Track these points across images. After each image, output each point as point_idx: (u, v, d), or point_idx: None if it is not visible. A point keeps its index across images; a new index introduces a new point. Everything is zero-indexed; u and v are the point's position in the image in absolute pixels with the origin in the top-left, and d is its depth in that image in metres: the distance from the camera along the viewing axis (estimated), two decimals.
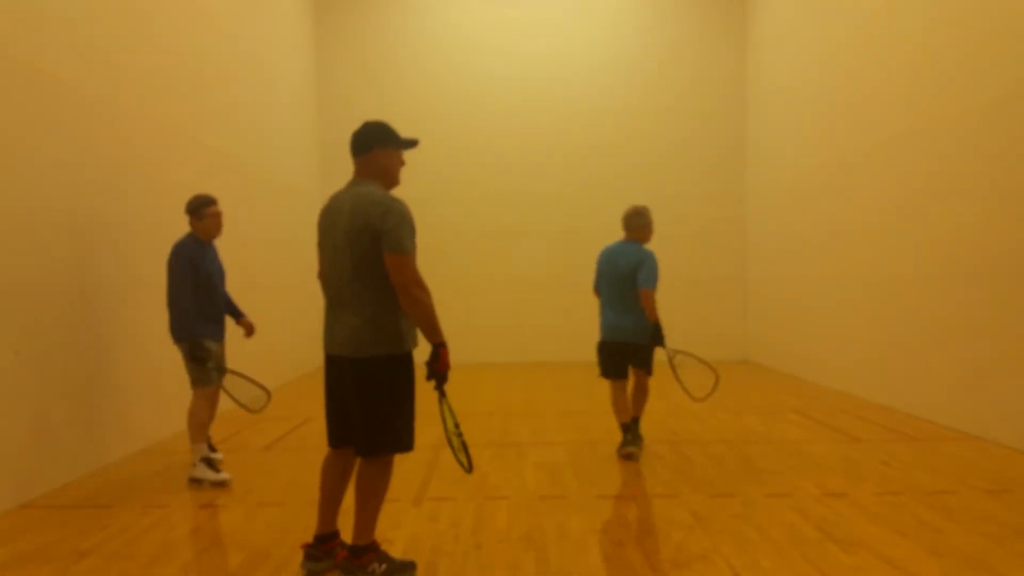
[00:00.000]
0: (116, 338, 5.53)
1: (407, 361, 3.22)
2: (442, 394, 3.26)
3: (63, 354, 4.87)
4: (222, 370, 4.88)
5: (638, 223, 5.52)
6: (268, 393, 4.98)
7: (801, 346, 9.83)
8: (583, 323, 11.95)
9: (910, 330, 7.02)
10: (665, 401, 7.93)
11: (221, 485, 4.72)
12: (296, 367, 10.32)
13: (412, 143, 3.41)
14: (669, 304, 12.19)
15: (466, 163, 11.82)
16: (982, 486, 4.61)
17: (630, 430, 5.40)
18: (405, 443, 3.23)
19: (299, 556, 3.48)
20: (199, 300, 4.82)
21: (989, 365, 5.90)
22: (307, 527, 3.97)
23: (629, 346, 5.38)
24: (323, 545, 3.32)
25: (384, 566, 3.17)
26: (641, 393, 5.54)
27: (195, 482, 4.75)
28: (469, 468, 3.26)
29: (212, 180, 7.42)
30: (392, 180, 3.35)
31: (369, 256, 3.08)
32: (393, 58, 11.85)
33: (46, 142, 4.80)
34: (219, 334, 5.00)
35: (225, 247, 7.75)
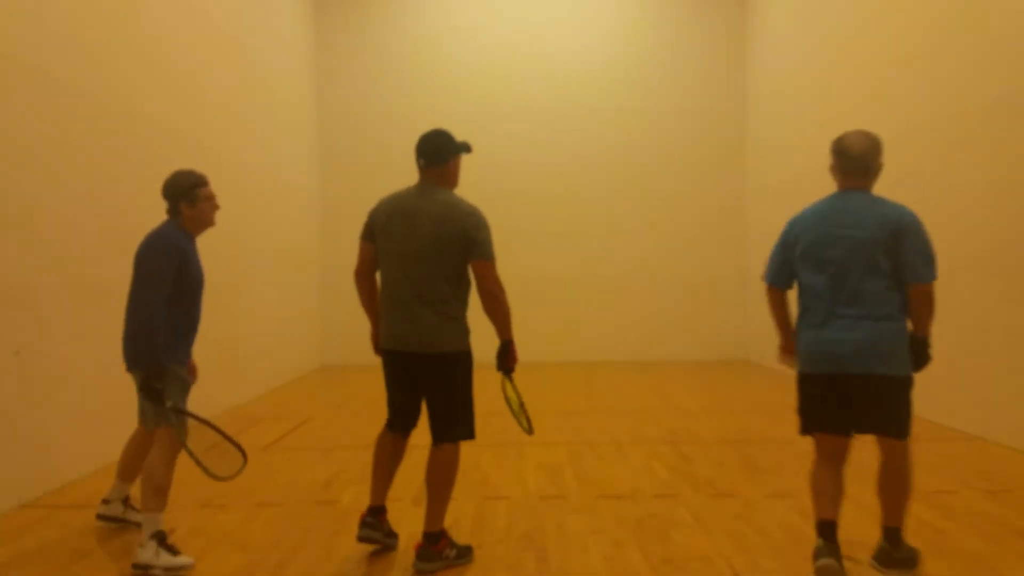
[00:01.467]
0: (116, 338, 5.52)
1: (471, 356, 3.58)
2: (510, 379, 3.67)
3: (63, 354, 4.87)
4: (181, 413, 3.51)
5: (872, 161, 3.31)
6: (244, 456, 3.46)
7: None
8: (583, 323, 11.98)
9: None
10: (665, 401, 7.94)
11: (183, 570, 3.38)
12: (296, 367, 10.33)
13: (469, 148, 3.67)
14: (669, 304, 12.29)
15: (466, 163, 11.80)
16: (982, 486, 4.61)
17: (831, 537, 3.13)
18: (473, 430, 3.57)
19: (299, 556, 3.49)
20: (176, 314, 3.62)
21: (989, 365, 5.90)
22: (307, 527, 3.97)
23: (868, 380, 3.15)
24: (379, 516, 3.57)
25: (455, 551, 3.45)
26: (895, 477, 3.24)
27: (140, 569, 3.34)
28: (530, 430, 3.66)
29: (212, 180, 7.42)
30: (456, 185, 3.71)
31: (457, 261, 3.44)
32: (393, 58, 11.85)
33: (46, 142, 4.80)
34: (187, 357, 3.82)
35: (225, 247, 7.77)
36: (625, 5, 12.01)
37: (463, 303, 3.54)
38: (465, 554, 3.49)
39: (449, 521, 4.03)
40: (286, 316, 9.87)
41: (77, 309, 5.04)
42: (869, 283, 3.16)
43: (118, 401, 5.54)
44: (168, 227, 3.71)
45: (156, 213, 5.68)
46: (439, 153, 3.56)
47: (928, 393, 6.67)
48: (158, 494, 3.48)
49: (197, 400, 7.15)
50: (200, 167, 7.09)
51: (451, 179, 3.64)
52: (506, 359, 3.57)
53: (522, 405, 3.70)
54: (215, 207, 3.85)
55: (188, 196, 3.72)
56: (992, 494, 4.44)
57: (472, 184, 11.94)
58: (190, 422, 3.49)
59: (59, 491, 4.67)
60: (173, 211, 3.73)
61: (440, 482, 3.45)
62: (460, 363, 3.51)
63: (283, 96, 10.13)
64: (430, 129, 3.65)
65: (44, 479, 4.64)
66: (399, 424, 3.67)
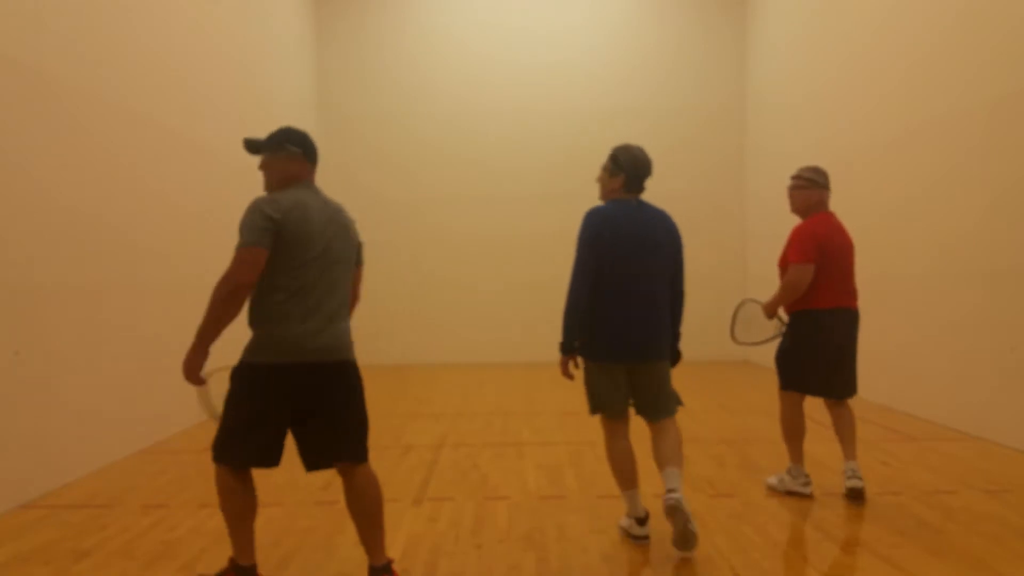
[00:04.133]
0: (116, 338, 5.53)
1: None
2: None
3: (63, 354, 4.87)
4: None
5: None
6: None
7: None
8: None
9: (910, 330, 7.02)
10: None
11: None
12: None
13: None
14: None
15: (466, 164, 11.81)
16: (982, 486, 4.61)
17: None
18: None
19: (299, 556, 3.48)
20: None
21: (989, 365, 5.90)
22: (306, 527, 3.97)
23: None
24: None
25: None
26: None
27: None
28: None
29: (212, 180, 7.42)
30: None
31: (354, 265, 3.22)
32: (393, 59, 11.85)
33: (46, 143, 4.80)
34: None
35: (225, 247, 7.76)
36: (626, 8, 12.01)
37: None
38: None
39: (449, 521, 4.04)
40: None
41: (77, 309, 5.04)
42: None
43: (118, 401, 5.55)
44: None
45: (156, 213, 5.67)
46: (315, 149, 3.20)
47: (928, 393, 6.69)
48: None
49: (194, 400, 7.14)
50: (199, 167, 7.11)
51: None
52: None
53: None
54: None
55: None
56: (992, 494, 4.44)
57: (472, 185, 12.01)
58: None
59: (59, 491, 4.67)
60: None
61: (379, 504, 3.08)
62: (358, 373, 3.15)
63: (282, 96, 10.14)
64: (288, 125, 3.25)
65: (44, 479, 4.64)
66: (266, 457, 3.01)
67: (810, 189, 4.59)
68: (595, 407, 3.74)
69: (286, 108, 10.27)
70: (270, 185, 3.16)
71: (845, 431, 4.38)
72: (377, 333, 11.64)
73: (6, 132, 4.43)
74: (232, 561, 3.12)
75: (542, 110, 11.82)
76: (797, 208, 4.64)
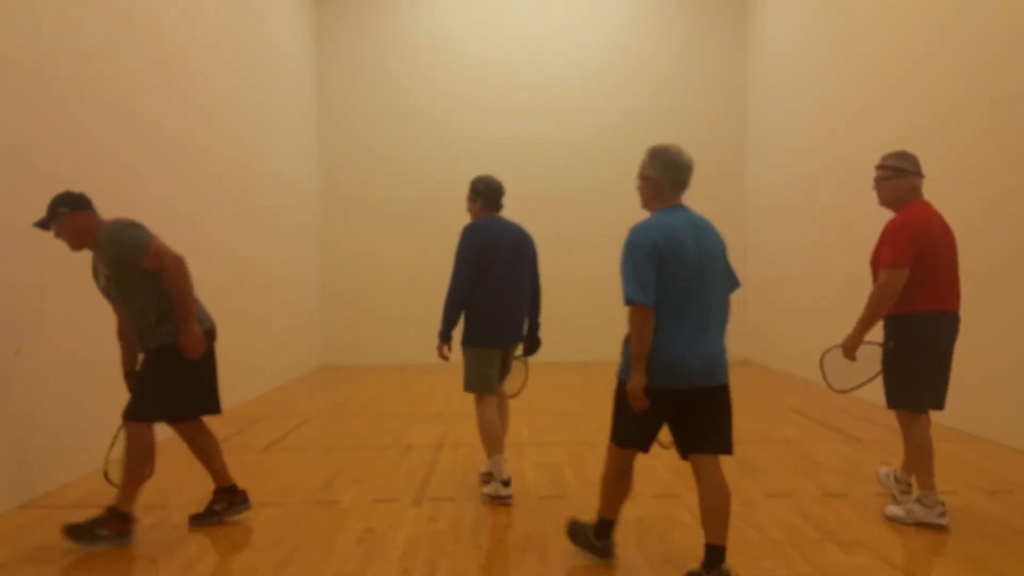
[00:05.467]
0: (115, 337, 5.52)
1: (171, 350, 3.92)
2: None
3: (63, 354, 4.87)
4: None
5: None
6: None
7: (801, 346, 9.82)
8: (583, 324, 11.96)
9: None
10: None
11: None
12: (296, 367, 10.33)
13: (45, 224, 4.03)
14: None
15: (466, 164, 11.80)
16: (982, 486, 4.61)
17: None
18: (139, 413, 3.92)
19: (299, 556, 3.48)
20: None
21: (989, 365, 5.90)
22: (307, 527, 3.97)
23: (716, 392, 3.26)
24: None
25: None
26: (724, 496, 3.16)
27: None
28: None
29: (213, 180, 7.43)
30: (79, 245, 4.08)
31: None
32: (394, 60, 11.85)
33: (46, 143, 4.80)
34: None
35: (225, 247, 7.78)
36: (626, 9, 12.01)
37: None
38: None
39: (449, 521, 4.04)
40: (286, 316, 9.87)
41: (77, 309, 5.04)
42: None
43: (118, 401, 5.54)
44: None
45: (155, 213, 5.67)
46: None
47: None
48: None
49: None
50: (199, 168, 7.10)
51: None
52: None
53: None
54: None
55: None
56: (992, 494, 4.44)
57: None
58: None
59: (59, 491, 4.67)
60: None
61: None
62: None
63: (282, 96, 10.14)
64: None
65: (44, 479, 4.64)
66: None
67: (897, 178, 4.05)
68: (473, 386, 4.45)
69: (286, 108, 10.27)
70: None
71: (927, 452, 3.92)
72: (377, 333, 11.64)
73: (6, 132, 4.43)
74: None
75: (542, 111, 11.81)
76: (886, 201, 4.13)
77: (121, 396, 5.70)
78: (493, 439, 4.36)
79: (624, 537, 3.80)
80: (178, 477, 4.99)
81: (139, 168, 5.97)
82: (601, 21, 11.96)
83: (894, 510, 4.01)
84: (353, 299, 11.72)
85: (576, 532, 3.56)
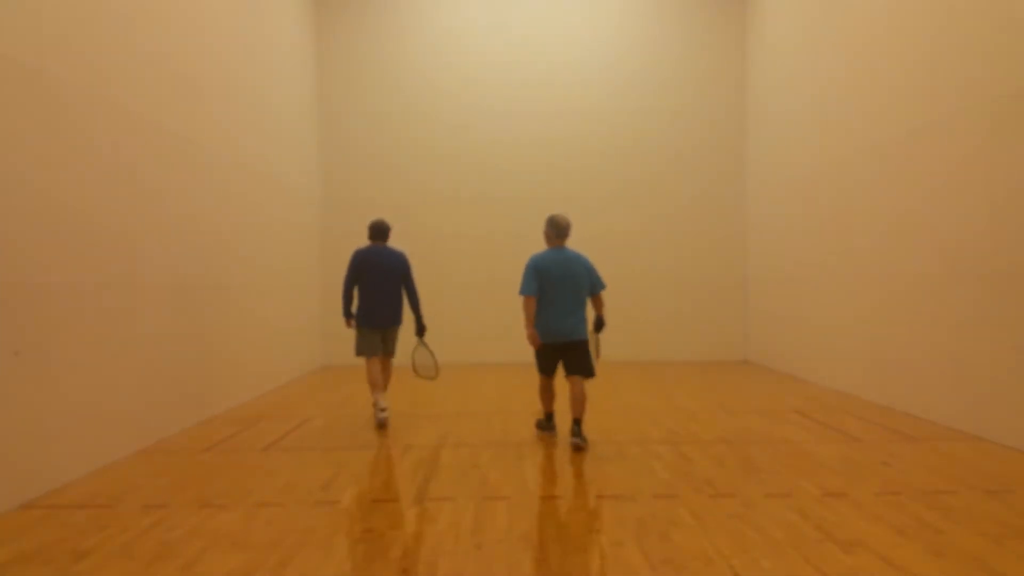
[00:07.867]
0: (116, 337, 5.53)
1: None
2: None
3: (63, 353, 4.87)
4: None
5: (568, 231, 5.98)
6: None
7: (801, 346, 9.83)
8: None
9: (910, 331, 7.02)
10: (665, 401, 7.95)
11: None
12: (296, 367, 10.33)
13: None
14: (669, 305, 12.30)
15: (465, 165, 11.82)
16: (982, 486, 4.61)
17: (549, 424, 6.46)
18: None
19: (299, 556, 3.48)
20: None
21: (989, 365, 5.90)
22: (307, 527, 3.97)
23: (576, 343, 5.85)
24: None
25: None
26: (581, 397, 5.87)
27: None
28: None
29: (212, 180, 7.43)
30: None
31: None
32: (395, 60, 11.85)
33: (46, 143, 4.80)
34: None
35: (226, 247, 7.78)
36: (626, 10, 12.01)
37: None
38: None
39: (449, 521, 4.04)
40: (286, 316, 9.87)
41: (77, 309, 5.05)
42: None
43: (118, 401, 5.55)
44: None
45: (155, 213, 5.69)
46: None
47: (928, 393, 6.69)
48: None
49: (194, 399, 7.15)
50: (200, 168, 7.12)
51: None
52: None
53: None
54: None
55: None
56: (992, 494, 4.44)
57: (473, 187, 11.99)
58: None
59: (59, 491, 4.67)
60: None
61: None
62: None
63: (282, 96, 10.14)
64: None
65: (44, 479, 4.65)
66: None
67: None
68: (362, 352, 6.69)
69: (285, 108, 10.27)
70: None
71: None
72: None
73: (6, 132, 4.43)
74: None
75: (542, 111, 11.82)
76: None
77: (119, 396, 5.74)
78: (375, 383, 6.62)
79: (624, 537, 3.80)
80: (178, 477, 4.99)
81: (139, 168, 5.98)
82: (601, 23, 11.96)
83: None
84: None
85: (539, 424, 6.40)
